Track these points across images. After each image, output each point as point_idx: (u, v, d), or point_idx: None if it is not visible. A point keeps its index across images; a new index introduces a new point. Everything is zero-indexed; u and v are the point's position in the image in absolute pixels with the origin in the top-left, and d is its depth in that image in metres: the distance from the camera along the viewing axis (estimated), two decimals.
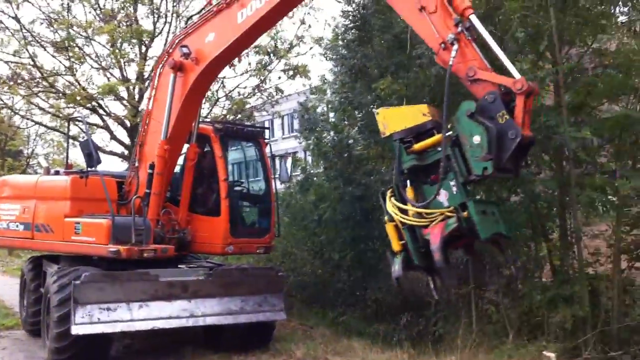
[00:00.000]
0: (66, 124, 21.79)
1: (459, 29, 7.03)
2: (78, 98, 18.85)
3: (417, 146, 7.36)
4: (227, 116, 20.46)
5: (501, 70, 6.99)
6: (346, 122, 16.28)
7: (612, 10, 10.70)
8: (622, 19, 10.95)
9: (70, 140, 19.80)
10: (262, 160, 12.17)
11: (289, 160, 12.44)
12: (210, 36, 10.05)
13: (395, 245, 7.44)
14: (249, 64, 20.05)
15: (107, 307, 9.12)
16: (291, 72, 20.30)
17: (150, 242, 9.78)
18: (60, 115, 20.95)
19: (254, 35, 10.30)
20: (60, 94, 19.97)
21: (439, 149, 7.09)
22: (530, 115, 6.72)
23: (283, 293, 10.79)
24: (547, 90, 10.13)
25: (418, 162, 7.38)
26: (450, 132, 7.09)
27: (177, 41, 10.64)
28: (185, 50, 10.17)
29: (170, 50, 10.66)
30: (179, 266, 10.96)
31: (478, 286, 11.30)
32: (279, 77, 20.83)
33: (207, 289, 9.93)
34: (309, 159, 22.71)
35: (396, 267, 7.44)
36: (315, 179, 17.40)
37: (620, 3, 10.50)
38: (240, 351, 10.00)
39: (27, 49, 19.12)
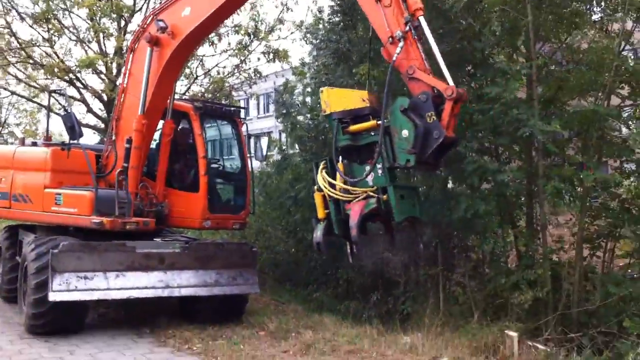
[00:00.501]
0: (42, 95, 21.80)
1: (407, 27, 7.65)
2: (56, 70, 18.79)
3: (352, 128, 8.22)
4: (205, 94, 20.55)
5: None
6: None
7: (586, 9, 11.08)
8: (595, 17, 11.31)
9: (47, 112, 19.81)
10: (239, 139, 12.33)
11: (264, 140, 12.67)
12: (186, 10, 10.12)
13: (321, 213, 8.35)
14: (229, 43, 20.19)
15: (84, 276, 9.28)
16: (271, 55, 20.41)
17: (131, 214, 9.97)
18: (37, 86, 20.86)
19: (230, 9, 10.53)
20: (38, 65, 19.89)
21: (372, 133, 7.99)
22: (456, 119, 7.47)
23: (257, 268, 11.05)
24: (520, 83, 10.47)
25: (352, 142, 8.22)
26: (386, 121, 7.74)
27: (152, 15, 10.65)
28: (161, 24, 10.22)
29: (146, 25, 10.70)
30: (155, 239, 11.16)
31: (446, 268, 11.67)
32: (259, 59, 20.93)
33: (183, 261, 10.13)
34: (284, 139, 22.96)
35: (318, 233, 8.39)
36: (291, 158, 17.63)
37: (594, 2, 10.89)
38: (215, 323, 10.20)
39: (5, 19, 18.99)
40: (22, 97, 23.76)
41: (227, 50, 20.28)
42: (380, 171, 7.93)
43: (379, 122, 7.81)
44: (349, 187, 8.07)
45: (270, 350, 8.63)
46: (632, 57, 12.26)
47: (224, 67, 20.91)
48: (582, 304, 9.18)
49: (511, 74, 9.75)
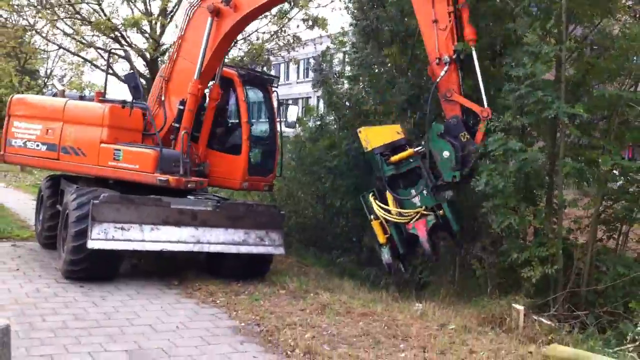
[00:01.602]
0: (87, 50, 22.42)
1: (455, 55, 9.15)
2: (102, 27, 19.36)
3: (394, 158, 9.61)
4: (245, 59, 20.94)
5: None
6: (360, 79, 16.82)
7: None
8: (629, 2, 11.35)
9: (92, 68, 20.48)
10: (270, 106, 12.86)
11: (295, 107, 13.13)
12: None
13: (382, 239, 9.76)
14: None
15: (121, 227, 9.86)
16: (310, 23, 20.66)
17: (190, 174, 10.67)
18: (84, 42, 21.47)
19: None
20: (85, 21, 20.49)
21: (411, 160, 9.49)
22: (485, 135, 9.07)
23: (283, 230, 11.53)
24: (549, 66, 10.63)
25: (395, 171, 9.57)
26: (420, 148, 9.46)
27: None
28: None
29: None
30: (189, 197, 11.72)
31: (464, 240, 12.01)
32: (297, 26, 21.21)
33: (214, 219, 10.63)
34: (322, 106, 23.29)
35: (386, 256, 9.82)
36: (327, 127, 17.98)
37: None
38: (239, 279, 10.73)
39: None
40: (69, 50, 24.47)
41: (267, 16, 20.59)
42: (425, 192, 9.32)
43: (416, 150, 9.46)
44: (402, 210, 9.41)
45: (288, 308, 9.11)
46: None
47: (263, 32, 21.26)
48: (591, 284, 9.45)
49: (540, 56, 9.92)
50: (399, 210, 9.45)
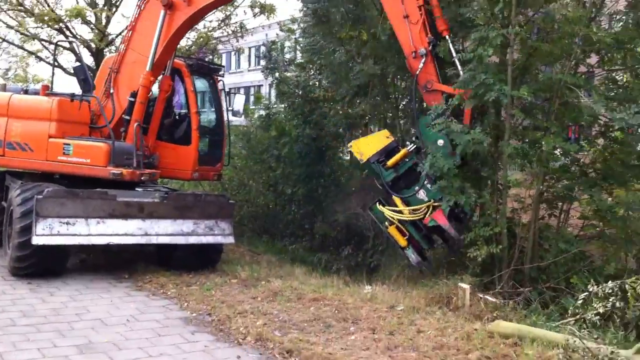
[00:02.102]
0: (31, 42, 21.89)
1: (430, 46, 9.35)
2: (46, 18, 18.95)
3: (390, 162, 9.72)
4: (192, 48, 20.74)
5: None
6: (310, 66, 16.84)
7: None
8: None
9: (37, 60, 20.04)
10: (216, 95, 12.87)
11: (240, 96, 13.15)
12: None
13: (402, 242, 9.68)
14: None
15: (66, 222, 9.71)
16: (257, 10, 20.54)
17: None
18: (28, 34, 20.97)
19: None
20: (29, 13, 20.00)
21: (407, 159, 9.63)
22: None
23: (232, 219, 11.52)
24: (495, 49, 10.82)
25: (395, 173, 9.63)
26: (412, 145, 9.69)
27: None
28: None
29: None
30: (136, 189, 11.61)
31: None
32: (245, 12, 21.05)
33: (162, 210, 10.56)
34: (273, 94, 23.25)
35: (413, 257, 9.79)
36: (276, 116, 18.00)
37: None
38: (190, 270, 10.71)
39: None
40: (12, 43, 23.84)
41: None
42: (429, 185, 9.42)
43: (409, 148, 9.67)
44: (413, 208, 9.45)
45: (239, 297, 9.14)
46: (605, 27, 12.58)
47: (210, 21, 21.06)
48: (535, 261, 9.69)
49: (488, 40, 10.10)
50: (410, 208, 9.50)
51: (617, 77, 12.52)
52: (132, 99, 10.95)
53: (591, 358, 6.09)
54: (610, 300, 7.23)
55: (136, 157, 10.52)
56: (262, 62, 25.76)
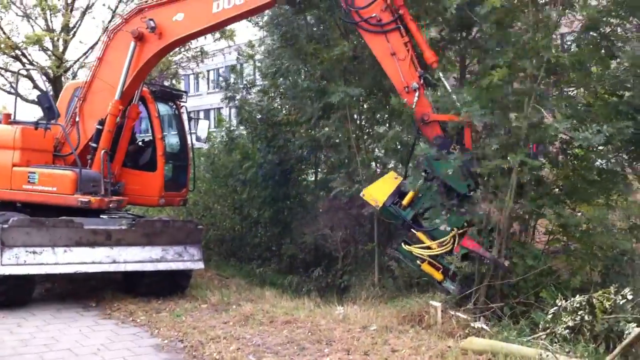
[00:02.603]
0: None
1: (421, 80, 9.32)
2: (2, 46, 18.73)
3: (405, 201, 9.57)
4: (153, 73, 20.64)
5: None
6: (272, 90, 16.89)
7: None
8: None
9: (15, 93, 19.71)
10: (181, 121, 12.95)
11: (204, 122, 13.24)
12: (178, 16, 10.63)
13: (439, 276, 9.39)
14: None
15: (33, 251, 9.56)
16: (217, 34, 20.61)
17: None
18: None
19: (228, 24, 11.53)
20: None
21: (420, 195, 9.50)
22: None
23: (202, 244, 11.47)
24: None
25: (413, 211, 9.51)
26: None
27: (139, 10, 10.97)
28: (152, 24, 10.63)
29: (129, 17, 11.04)
30: (101, 216, 11.48)
31: (382, 244, 12.28)
32: (205, 37, 21.04)
33: (129, 237, 10.45)
34: (233, 117, 23.22)
35: (452, 288, 9.36)
36: (239, 139, 17.98)
37: None
38: (159, 296, 10.61)
39: None
40: None
41: None
42: (448, 215, 9.24)
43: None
44: (439, 241, 9.22)
45: (210, 322, 9.07)
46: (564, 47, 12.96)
47: None
48: (505, 277, 9.81)
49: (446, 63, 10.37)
50: (437, 242, 9.29)
51: (571, 94, 12.90)
52: (100, 127, 10.91)
53: None
54: (579, 314, 7.38)
55: (103, 185, 10.49)
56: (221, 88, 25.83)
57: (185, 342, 8.13)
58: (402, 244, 9.65)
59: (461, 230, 9.14)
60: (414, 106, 9.27)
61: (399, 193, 9.76)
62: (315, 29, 13.93)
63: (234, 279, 13.72)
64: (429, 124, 9.37)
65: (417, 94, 9.28)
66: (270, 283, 13.67)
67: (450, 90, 9.51)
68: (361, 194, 10.07)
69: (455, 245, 9.16)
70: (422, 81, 9.38)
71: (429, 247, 9.31)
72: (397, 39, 9.46)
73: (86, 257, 10.00)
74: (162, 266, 10.63)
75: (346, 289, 12.37)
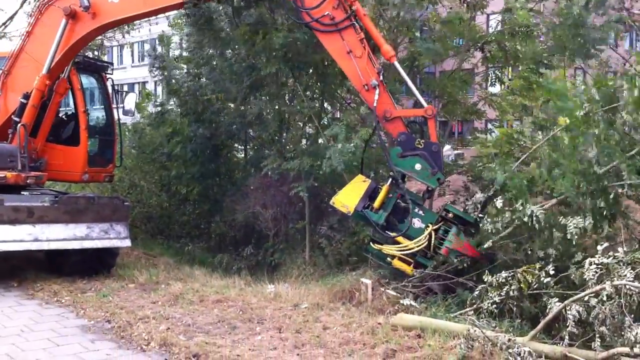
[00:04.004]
0: None
1: (381, 77, 9.14)
2: None
3: (376, 204, 9.29)
4: None
5: None
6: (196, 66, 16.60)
7: None
8: None
9: None
10: (106, 94, 12.57)
11: (132, 95, 12.87)
12: None
13: (410, 271, 9.05)
14: None
15: None
16: None
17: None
18: None
19: (166, 11, 11.23)
20: None
21: (390, 195, 9.30)
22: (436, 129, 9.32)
23: (128, 221, 11.20)
24: None
25: (385, 213, 9.20)
26: (391, 180, 9.29)
27: None
28: (85, 2, 10.19)
29: None
30: (23, 193, 11.04)
31: (313, 222, 12.33)
32: None
33: (52, 215, 10.08)
34: (160, 91, 22.72)
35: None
36: (169, 114, 17.60)
37: None
38: (84, 276, 10.32)
39: None
40: None
41: None
42: (420, 212, 9.20)
43: (388, 183, 9.30)
44: (416, 240, 8.96)
45: (139, 302, 8.89)
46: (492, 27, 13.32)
47: None
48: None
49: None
50: (414, 242, 9.00)
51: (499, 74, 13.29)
52: (24, 101, 10.51)
53: (491, 346, 6.37)
54: (504, 289, 7.59)
55: (20, 160, 10.09)
56: (147, 58, 25.14)
57: (113, 322, 7.92)
58: (371, 242, 9.46)
59: (436, 226, 9.03)
60: (374, 104, 9.09)
61: (369, 195, 9.52)
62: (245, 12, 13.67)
63: (162, 258, 13.50)
64: (392, 121, 9.23)
65: (377, 91, 9.09)
66: (200, 262, 13.54)
67: (408, 80, 9.48)
68: (331, 202, 9.74)
69: (444, 247, 8.91)
70: (381, 77, 9.21)
71: (406, 246, 9.07)
72: (352, 36, 9.24)
73: (7, 235, 9.58)
74: (87, 244, 10.30)
75: (277, 267, 12.40)
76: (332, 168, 10.48)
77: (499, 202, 8.67)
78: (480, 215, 9.26)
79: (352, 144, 10.39)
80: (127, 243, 10.91)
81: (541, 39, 12.55)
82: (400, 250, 9.01)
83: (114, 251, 11.04)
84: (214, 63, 15.48)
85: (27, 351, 6.85)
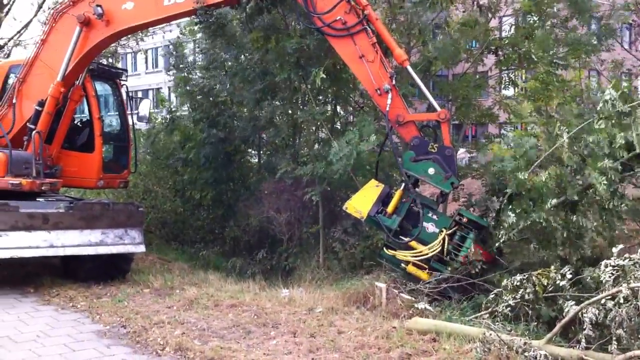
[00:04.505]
0: None
1: (394, 81, 9.06)
2: None
3: (390, 209, 9.21)
4: None
5: None
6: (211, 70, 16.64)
7: None
8: None
9: None
10: (120, 100, 12.61)
11: (146, 101, 12.89)
12: (128, 4, 10.32)
13: (425, 276, 8.96)
14: None
15: None
16: None
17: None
18: None
19: (178, 18, 11.23)
20: None
21: (403, 200, 9.26)
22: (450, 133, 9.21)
23: (143, 227, 11.23)
24: None
25: (399, 218, 9.09)
26: (404, 184, 9.20)
27: None
28: (99, 10, 10.28)
29: (75, 0, 10.61)
30: (38, 199, 11.12)
31: (327, 226, 12.31)
32: None
33: (67, 221, 10.13)
34: (174, 98, 22.80)
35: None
36: (180, 120, 17.66)
37: None
38: (99, 282, 10.37)
39: None
40: None
41: None
42: (435, 217, 9.14)
43: (402, 188, 9.27)
44: (430, 244, 8.88)
45: (154, 306, 8.92)
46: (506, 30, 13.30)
47: None
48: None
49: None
50: (427, 247, 8.93)
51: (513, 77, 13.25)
52: (39, 108, 10.61)
53: (507, 350, 6.34)
54: (520, 292, 7.55)
55: (35, 166, 10.16)
56: (161, 65, 25.23)
57: (128, 327, 7.95)
58: (384, 248, 9.35)
59: (450, 231, 8.98)
60: (387, 108, 9.04)
61: (383, 200, 9.45)
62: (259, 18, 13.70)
63: (177, 263, 13.54)
64: (405, 125, 9.17)
65: (389, 95, 9.04)
66: (214, 266, 13.55)
67: (421, 84, 9.38)
68: (344, 207, 9.69)
69: (463, 255, 8.82)
70: (393, 82, 9.14)
71: (420, 251, 8.97)
72: (364, 40, 9.20)
73: (23, 241, 9.64)
74: (102, 250, 10.36)
75: (291, 272, 12.39)
76: (337, 171, 10.50)
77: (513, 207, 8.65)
78: (496, 219, 9.21)
79: (349, 147, 10.36)
80: (142, 249, 10.96)
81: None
82: (414, 256, 8.93)
83: (129, 257, 11.09)
84: (228, 66, 15.46)
85: (44, 356, 6.89)
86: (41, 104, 10.62)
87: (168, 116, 18.09)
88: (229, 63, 15.32)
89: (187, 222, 16.48)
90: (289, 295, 9.43)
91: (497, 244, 8.86)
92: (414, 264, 8.99)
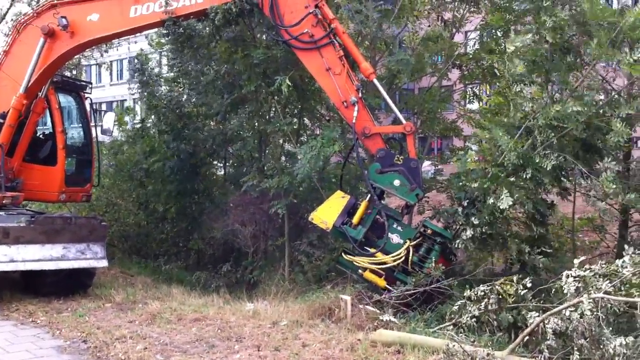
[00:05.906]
0: None
1: (360, 94, 9.16)
2: None
3: (355, 220, 9.29)
4: None
5: None
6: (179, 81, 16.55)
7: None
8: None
9: None
10: (84, 113, 12.50)
11: (111, 114, 12.75)
12: (93, 16, 10.24)
13: (382, 283, 9.04)
14: None
15: None
16: None
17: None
18: None
19: (145, 30, 11.18)
20: None
21: (369, 211, 9.32)
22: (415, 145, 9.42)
23: (105, 242, 11.08)
24: None
25: (364, 229, 9.17)
26: (370, 196, 9.28)
27: (51, 6, 10.47)
28: (64, 21, 10.16)
29: (40, 11, 10.55)
30: None
31: (292, 239, 12.28)
32: None
33: (29, 235, 9.95)
34: (138, 109, 22.59)
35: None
36: (147, 129, 17.49)
37: None
38: (60, 296, 10.20)
39: None
40: None
41: None
42: (399, 228, 9.22)
43: (367, 199, 9.34)
44: (394, 255, 8.90)
45: (115, 321, 8.78)
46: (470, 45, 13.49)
47: None
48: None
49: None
50: (390, 256, 8.95)
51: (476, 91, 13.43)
52: (1, 120, 10.47)
53: None
54: (483, 302, 7.60)
55: None
56: (126, 76, 24.99)
57: (89, 342, 7.82)
58: (342, 254, 9.40)
59: (414, 242, 9.04)
60: (354, 120, 9.12)
61: (348, 212, 9.49)
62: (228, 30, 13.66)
63: (140, 277, 13.35)
64: (371, 137, 9.26)
65: (356, 107, 9.12)
66: (178, 280, 13.41)
67: (387, 97, 9.50)
68: (310, 218, 9.70)
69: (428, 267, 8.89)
70: (360, 94, 9.23)
71: (383, 261, 9.02)
72: (331, 53, 9.27)
73: None
74: (63, 265, 10.17)
75: (256, 285, 12.32)
76: (303, 177, 10.53)
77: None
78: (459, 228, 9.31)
79: (313, 152, 10.40)
80: (104, 263, 10.79)
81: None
82: (373, 263, 8.99)
83: (91, 271, 10.92)
84: (196, 77, 15.37)
85: None
86: (3, 116, 10.47)
87: (133, 127, 17.93)
88: (197, 74, 15.21)
89: (151, 235, 16.30)
90: (253, 308, 9.35)
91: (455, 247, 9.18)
92: (371, 271, 9.06)
